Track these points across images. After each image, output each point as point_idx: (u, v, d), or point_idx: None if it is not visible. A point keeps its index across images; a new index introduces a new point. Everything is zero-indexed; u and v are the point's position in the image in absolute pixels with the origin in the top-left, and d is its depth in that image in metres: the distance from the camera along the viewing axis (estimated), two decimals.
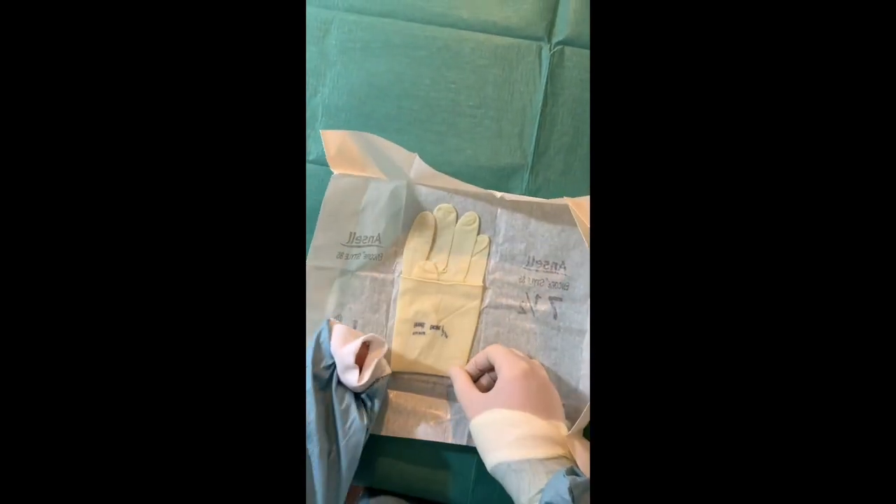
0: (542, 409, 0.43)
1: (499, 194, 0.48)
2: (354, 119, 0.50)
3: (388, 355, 0.49)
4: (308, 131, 0.51)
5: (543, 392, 0.44)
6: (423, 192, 0.49)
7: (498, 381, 0.44)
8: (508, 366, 0.44)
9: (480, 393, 0.45)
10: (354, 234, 0.49)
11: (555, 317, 0.50)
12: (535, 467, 0.39)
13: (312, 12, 0.50)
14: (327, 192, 0.49)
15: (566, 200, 0.47)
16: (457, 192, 0.49)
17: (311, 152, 0.50)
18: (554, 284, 0.50)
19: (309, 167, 0.50)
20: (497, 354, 0.46)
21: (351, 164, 0.49)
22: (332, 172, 0.49)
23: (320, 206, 0.49)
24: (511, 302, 0.50)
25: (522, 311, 0.50)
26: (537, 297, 0.50)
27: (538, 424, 0.42)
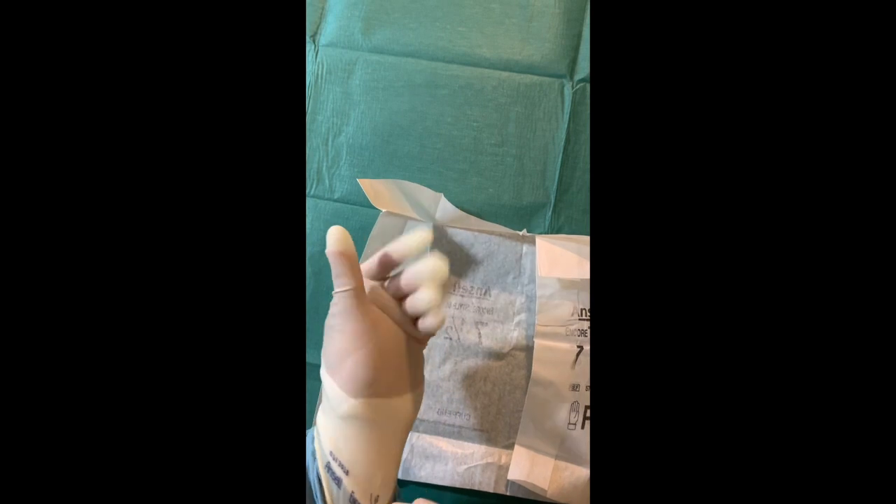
0: None
1: (522, 235, 0.49)
2: (378, 158, 0.51)
3: None
4: (333, 170, 0.51)
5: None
6: (448, 232, 0.50)
7: None
8: None
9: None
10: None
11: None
12: None
13: (337, 53, 0.51)
14: (374, 230, 0.49)
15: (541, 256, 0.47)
16: (481, 232, 0.50)
17: (336, 191, 0.51)
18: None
19: (333, 205, 0.51)
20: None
21: (391, 205, 0.50)
22: (361, 210, 0.50)
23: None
24: None
25: None
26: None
27: None
